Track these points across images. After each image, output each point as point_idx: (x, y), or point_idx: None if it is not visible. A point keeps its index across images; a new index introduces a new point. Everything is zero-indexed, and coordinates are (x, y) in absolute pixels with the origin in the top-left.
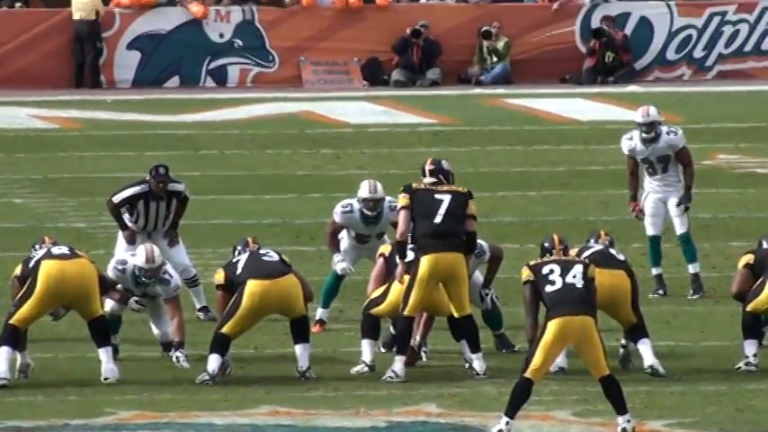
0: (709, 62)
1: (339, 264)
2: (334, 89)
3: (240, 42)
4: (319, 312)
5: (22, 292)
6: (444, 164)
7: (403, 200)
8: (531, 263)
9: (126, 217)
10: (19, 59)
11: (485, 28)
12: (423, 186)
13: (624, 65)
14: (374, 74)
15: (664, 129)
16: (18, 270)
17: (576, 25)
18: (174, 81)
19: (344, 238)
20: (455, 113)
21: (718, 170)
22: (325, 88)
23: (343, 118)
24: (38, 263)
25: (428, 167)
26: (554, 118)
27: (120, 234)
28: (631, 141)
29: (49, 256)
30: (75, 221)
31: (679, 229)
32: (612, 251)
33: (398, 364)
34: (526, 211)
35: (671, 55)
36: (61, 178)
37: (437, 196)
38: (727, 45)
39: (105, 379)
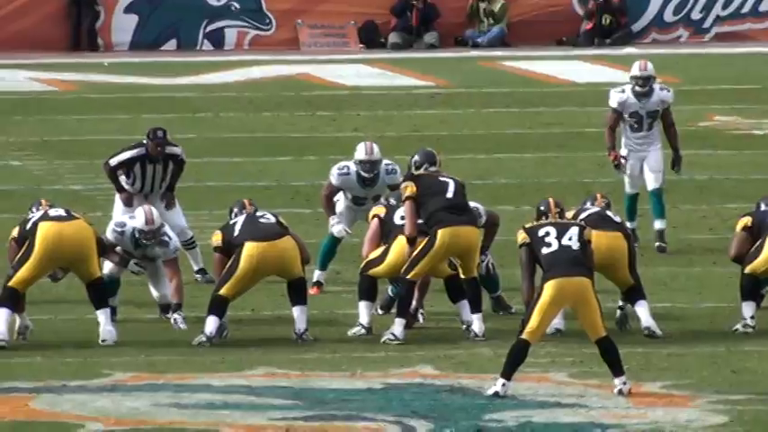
0: (706, 24)
1: (336, 226)
2: (331, 52)
3: (237, 5)
4: (316, 274)
5: (20, 254)
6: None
7: (409, 189)
8: (527, 225)
9: (123, 179)
10: (16, 22)
11: None
12: (425, 172)
13: (621, 27)
14: (371, 37)
15: (656, 85)
16: (15, 232)
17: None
18: (172, 44)
19: (341, 201)
20: (452, 76)
21: (715, 132)
22: (322, 51)
23: (339, 80)
24: (35, 224)
25: (437, 158)
26: (550, 80)
27: (118, 196)
28: (623, 94)
29: (46, 217)
30: (72, 184)
31: (653, 184)
32: (609, 213)
33: (398, 326)
34: (522, 173)
35: (668, 17)
36: (59, 141)
37: (442, 179)
38: (724, 7)
39: (103, 341)
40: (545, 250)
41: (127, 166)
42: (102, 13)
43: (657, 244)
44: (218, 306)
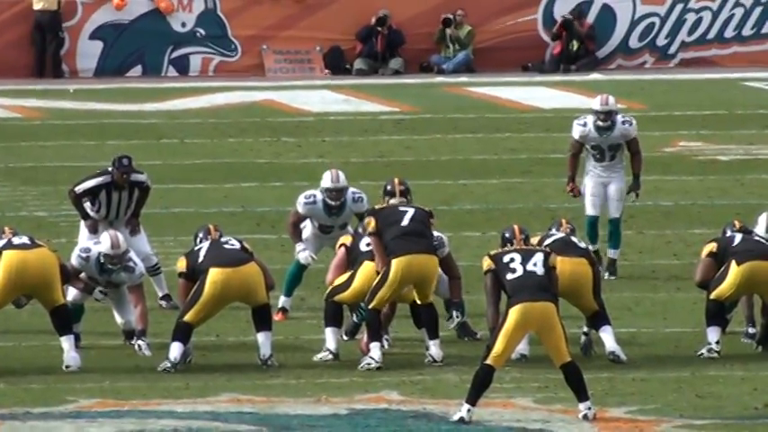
0: (671, 50)
1: (301, 253)
2: (297, 78)
3: (202, 31)
4: (282, 300)
5: None
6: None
7: (370, 225)
8: (492, 252)
9: (87, 206)
10: None
11: (445, 15)
12: (386, 205)
13: (588, 53)
14: (336, 62)
15: (619, 118)
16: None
17: (538, 13)
18: (137, 70)
19: (308, 227)
20: (417, 102)
21: (681, 157)
22: (288, 77)
23: (304, 106)
24: None
25: (398, 188)
26: (516, 106)
27: (83, 223)
28: (584, 128)
29: (9, 246)
30: (36, 210)
31: (614, 213)
32: (574, 239)
33: (375, 350)
34: (487, 198)
35: (633, 43)
36: (23, 167)
37: (401, 208)
38: (690, 33)
39: (67, 367)
40: (510, 276)
41: (92, 193)
42: (67, 40)
43: (607, 273)
44: (182, 332)
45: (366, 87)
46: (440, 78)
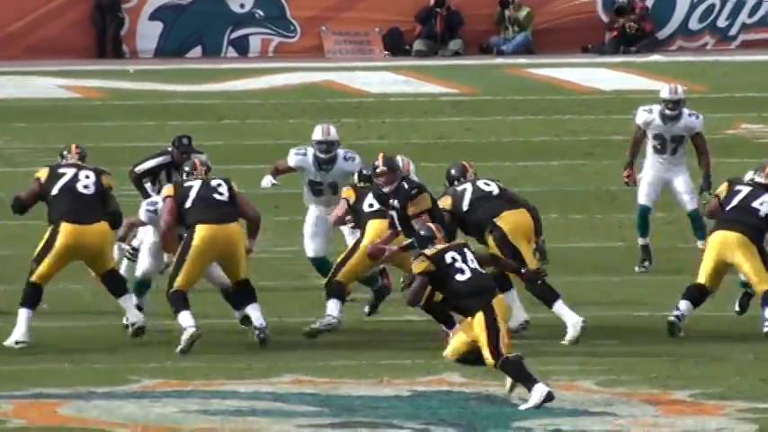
0: (732, 32)
1: (265, 179)
2: (356, 59)
3: (261, 12)
4: None
5: (39, 249)
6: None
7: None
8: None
9: (148, 186)
10: (42, 29)
11: None
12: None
13: (646, 34)
14: (395, 44)
15: (686, 110)
16: (43, 174)
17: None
18: (197, 51)
19: (309, 216)
20: (477, 83)
21: (742, 140)
22: (347, 58)
23: (364, 87)
24: (58, 221)
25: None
26: (576, 87)
27: (144, 203)
28: (650, 114)
29: (69, 219)
30: None
31: (689, 205)
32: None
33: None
34: (548, 180)
35: (693, 25)
36: (84, 148)
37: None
38: (750, 14)
39: (133, 324)
40: (459, 277)
41: (152, 173)
42: (127, 21)
43: None
44: (183, 299)
45: (425, 69)
46: (499, 60)
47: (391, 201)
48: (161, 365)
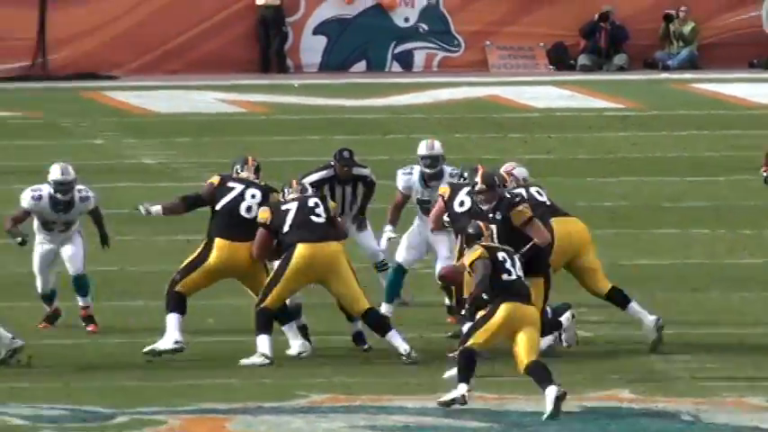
0: None
1: (386, 233)
2: (520, 73)
3: (426, 27)
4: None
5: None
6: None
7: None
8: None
9: None
10: (205, 44)
11: (667, 11)
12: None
13: None
14: (560, 58)
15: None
16: (215, 181)
17: (763, 9)
18: (361, 66)
19: (413, 226)
20: (642, 98)
21: None
22: (511, 72)
23: (529, 102)
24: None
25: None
26: (742, 102)
27: None
28: None
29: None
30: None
31: None
32: None
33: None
34: (715, 195)
35: None
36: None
37: None
38: None
39: (299, 354)
40: (505, 276)
41: (316, 187)
42: (291, 35)
43: None
44: (268, 321)
45: (590, 83)
46: (665, 75)
47: (491, 215)
48: (328, 380)
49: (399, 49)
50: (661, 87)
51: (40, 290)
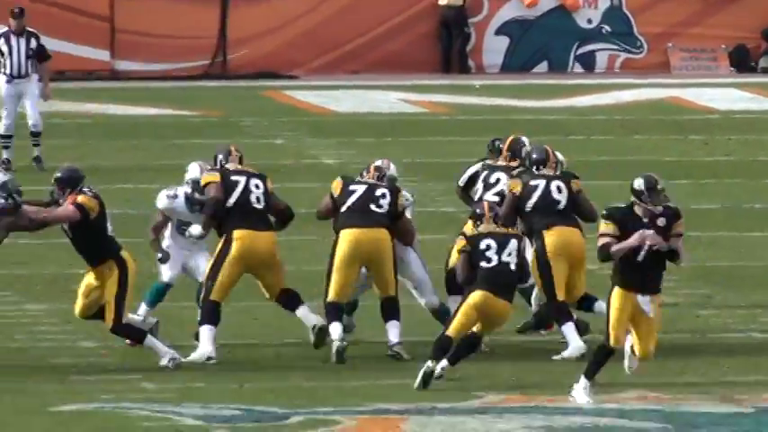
0: None
1: None
2: (702, 75)
3: (608, 28)
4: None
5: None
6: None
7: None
8: (469, 234)
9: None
10: (388, 44)
11: None
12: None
13: None
14: (741, 60)
15: None
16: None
17: None
18: (543, 66)
19: None
20: None
21: None
22: (693, 74)
23: (710, 104)
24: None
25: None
26: None
27: None
28: None
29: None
30: (444, 206)
31: None
32: None
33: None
34: None
35: None
36: (430, 163)
37: None
38: None
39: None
40: (484, 264)
41: (473, 181)
42: (473, 36)
43: None
44: (335, 311)
45: None
46: None
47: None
48: (504, 381)
49: (582, 50)
50: None
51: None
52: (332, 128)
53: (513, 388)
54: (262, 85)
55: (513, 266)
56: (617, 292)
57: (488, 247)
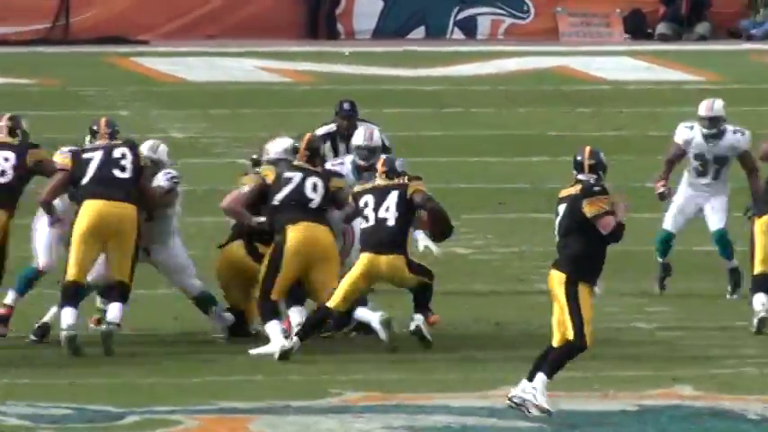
0: None
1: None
2: (593, 42)
3: None
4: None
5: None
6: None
7: None
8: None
9: None
10: (247, 6)
11: None
12: None
13: None
14: (637, 27)
15: (729, 127)
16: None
17: None
18: (419, 32)
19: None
20: (724, 70)
21: None
22: (584, 41)
23: (601, 74)
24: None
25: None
26: None
27: None
28: (691, 131)
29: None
30: None
31: (716, 224)
32: None
33: None
34: None
35: None
36: (291, 136)
37: None
38: None
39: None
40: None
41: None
42: None
43: (731, 285)
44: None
45: (668, 54)
46: (748, 45)
47: None
48: (365, 377)
49: (462, 14)
50: (744, 59)
51: None
52: (183, 98)
53: (373, 384)
54: (107, 51)
55: (391, 221)
56: (587, 288)
57: (366, 205)
